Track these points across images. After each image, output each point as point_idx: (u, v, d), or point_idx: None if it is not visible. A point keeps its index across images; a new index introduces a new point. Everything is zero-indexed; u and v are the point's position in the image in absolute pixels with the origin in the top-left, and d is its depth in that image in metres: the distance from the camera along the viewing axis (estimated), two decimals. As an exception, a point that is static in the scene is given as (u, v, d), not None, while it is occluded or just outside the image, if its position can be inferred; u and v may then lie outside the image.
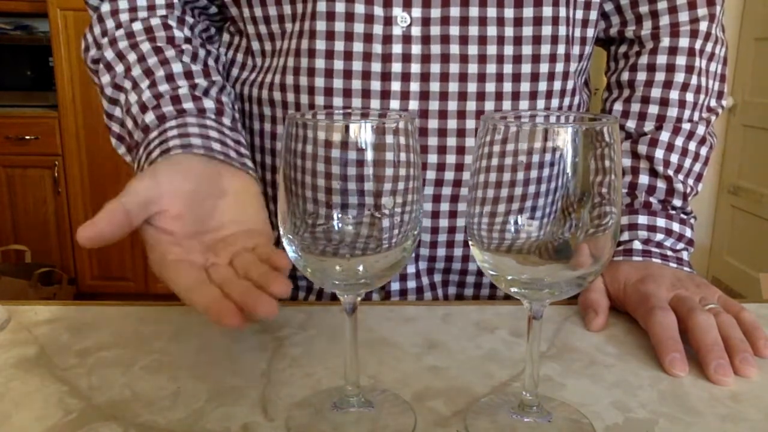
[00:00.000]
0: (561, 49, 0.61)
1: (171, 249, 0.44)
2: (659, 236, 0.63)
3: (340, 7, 0.58)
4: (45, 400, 0.43)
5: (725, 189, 2.80)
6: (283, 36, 0.62)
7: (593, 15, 0.64)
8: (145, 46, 0.61)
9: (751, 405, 0.43)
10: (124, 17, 0.63)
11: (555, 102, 0.63)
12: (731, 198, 2.76)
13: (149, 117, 0.58)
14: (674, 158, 0.65)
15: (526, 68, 0.60)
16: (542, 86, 0.61)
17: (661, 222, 0.64)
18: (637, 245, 0.62)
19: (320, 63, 0.59)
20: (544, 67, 0.61)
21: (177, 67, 0.61)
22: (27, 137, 2.61)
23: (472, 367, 0.48)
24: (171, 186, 0.47)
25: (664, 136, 0.65)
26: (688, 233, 0.65)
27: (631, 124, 0.67)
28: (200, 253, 0.45)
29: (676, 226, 0.64)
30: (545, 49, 0.60)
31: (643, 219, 0.64)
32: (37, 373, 0.46)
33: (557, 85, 0.62)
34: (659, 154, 0.65)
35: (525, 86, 0.61)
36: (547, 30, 0.60)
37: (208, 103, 0.60)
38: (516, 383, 0.46)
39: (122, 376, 0.46)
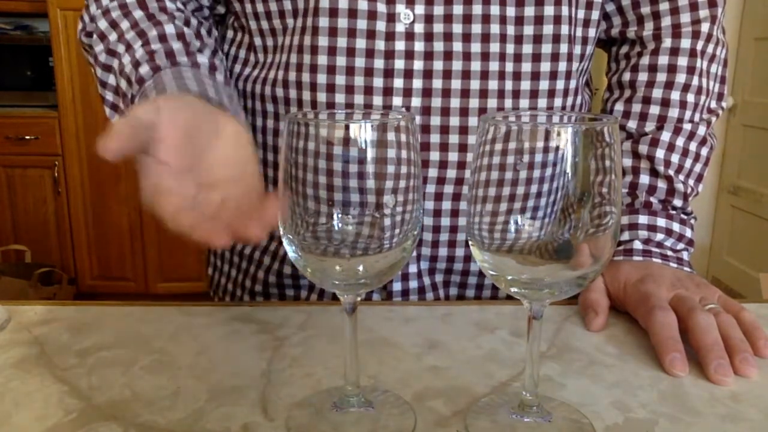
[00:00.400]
0: (563, 48, 0.61)
1: (165, 179, 0.44)
2: (659, 236, 0.63)
3: (343, 4, 0.58)
4: (45, 400, 0.43)
5: (725, 189, 2.79)
6: (284, 32, 0.62)
7: (595, 15, 0.64)
8: (138, 13, 0.62)
9: (751, 405, 0.43)
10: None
11: (557, 101, 0.63)
12: (731, 198, 2.76)
13: (144, 69, 0.58)
14: (675, 158, 0.65)
15: (527, 67, 0.60)
16: (543, 85, 0.61)
17: (661, 222, 0.64)
18: (637, 245, 0.62)
19: (323, 59, 0.59)
20: (545, 66, 0.61)
21: (170, 29, 0.61)
22: (27, 137, 2.61)
23: (472, 367, 0.48)
24: (170, 115, 0.46)
25: (665, 136, 0.65)
26: (689, 233, 0.65)
27: (632, 124, 0.67)
28: (193, 188, 0.45)
29: (676, 226, 0.64)
30: (546, 48, 0.60)
31: (643, 219, 0.64)
32: (37, 373, 0.46)
33: (559, 84, 0.62)
34: (660, 154, 0.65)
35: (526, 85, 0.61)
36: (548, 29, 0.60)
37: (202, 59, 0.60)
38: (516, 383, 0.46)
39: (122, 376, 0.46)
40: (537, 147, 0.34)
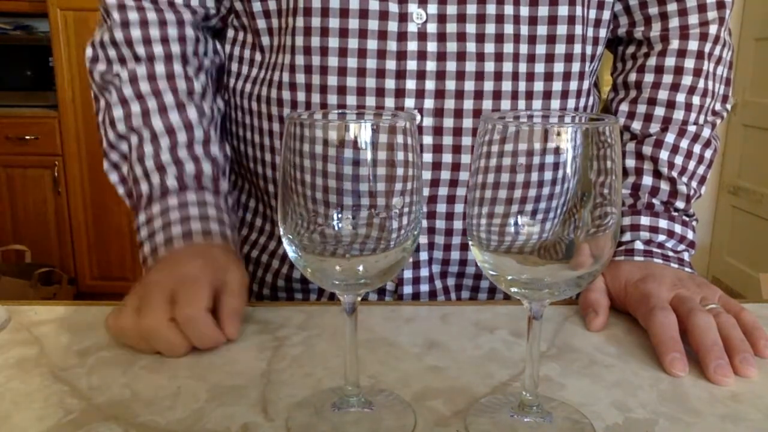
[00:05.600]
0: (576, 48, 0.61)
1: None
2: (661, 237, 0.63)
3: (354, 4, 0.57)
4: (45, 400, 0.43)
5: (725, 189, 2.79)
6: (294, 32, 0.60)
7: (606, 15, 0.64)
8: (168, 98, 0.64)
9: (751, 405, 0.43)
10: (140, 50, 0.63)
11: (570, 102, 0.62)
12: (731, 198, 2.76)
13: (170, 181, 0.62)
14: (679, 160, 0.65)
15: (540, 67, 0.60)
16: (557, 86, 0.61)
17: (663, 223, 0.63)
18: (638, 245, 0.62)
19: (333, 61, 0.59)
20: (558, 67, 0.60)
21: (199, 133, 0.65)
22: (27, 137, 2.60)
23: (472, 367, 0.48)
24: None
25: (669, 137, 0.65)
26: (690, 235, 0.65)
27: (636, 125, 0.67)
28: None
29: (678, 228, 0.64)
30: (560, 48, 0.60)
31: (645, 220, 0.64)
32: (37, 373, 0.46)
33: (572, 85, 0.62)
34: (664, 155, 0.65)
35: (539, 86, 0.60)
36: (562, 29, 0.59)
37: (224, 186, 0.65)
38: (516, 383, 0.46)
39: (122, 376, 0.46)
40: (537, 148, 0.34)
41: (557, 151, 0.34)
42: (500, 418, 0.41)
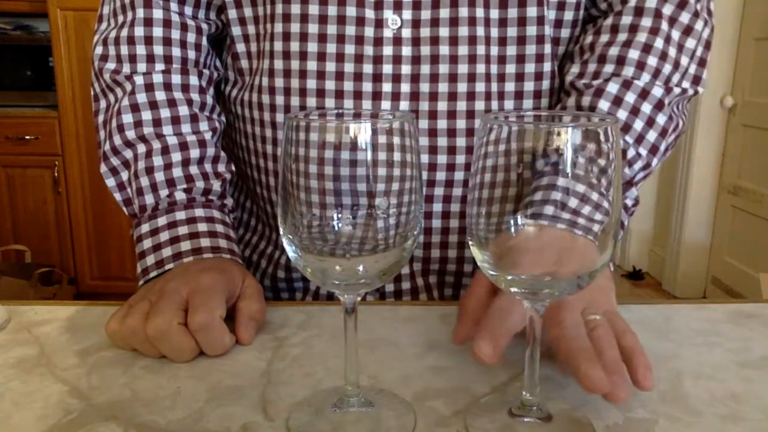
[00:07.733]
0: (546, 49, 0.61)
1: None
2: (573, 201, 0.55)
3: (332, 11, 0.58)
4: (45, 400, 0.43)
5: (725, 189, 2.79)
6: (272, 37, 0.61)
7: (569, 15, 0.62)
8: (183, 109, 0.64)
9: (751, 405, 0.43)
10: (158, 50, 0.63)
11: (543, 101, 0.62)
12: (731, 198, 2.76)
13: (179, 195, 0.62)
14: (622, 115, 0.59)
15: (510, 68, 0.61)
16: (528, 86, 0.61)
17: (580, 188, 0.57)
18: (547, 209, 0.54)
19: (312, 65, 0.60)
20: (529, 67, 0.61)
21: (210, 151, 0.64)
22: (27, 137, 2.60)
23: (472, 367, 0.48)
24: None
25: (612, 87, 0.59)
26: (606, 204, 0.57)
27: (583, 82, 0.61)
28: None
29: (595, 196, 0.57)
30: (530, 49, 0.60)
31: (562, 180, 0.57)
32: (37, 373, 0.46)
33: (545, 84, 0.62)
34: (604, 105, 0.58)
35: (510, 86, 0.61)
36: (531, 30, 0.60)
37: (216, 186, 0.64)
38: (516, 383, 0.46)
39: (122, 376, 0.46)
40: (537, 148, 0.34)
41: (557, 150, 0.34)
42: (500, 418, 0.41)
